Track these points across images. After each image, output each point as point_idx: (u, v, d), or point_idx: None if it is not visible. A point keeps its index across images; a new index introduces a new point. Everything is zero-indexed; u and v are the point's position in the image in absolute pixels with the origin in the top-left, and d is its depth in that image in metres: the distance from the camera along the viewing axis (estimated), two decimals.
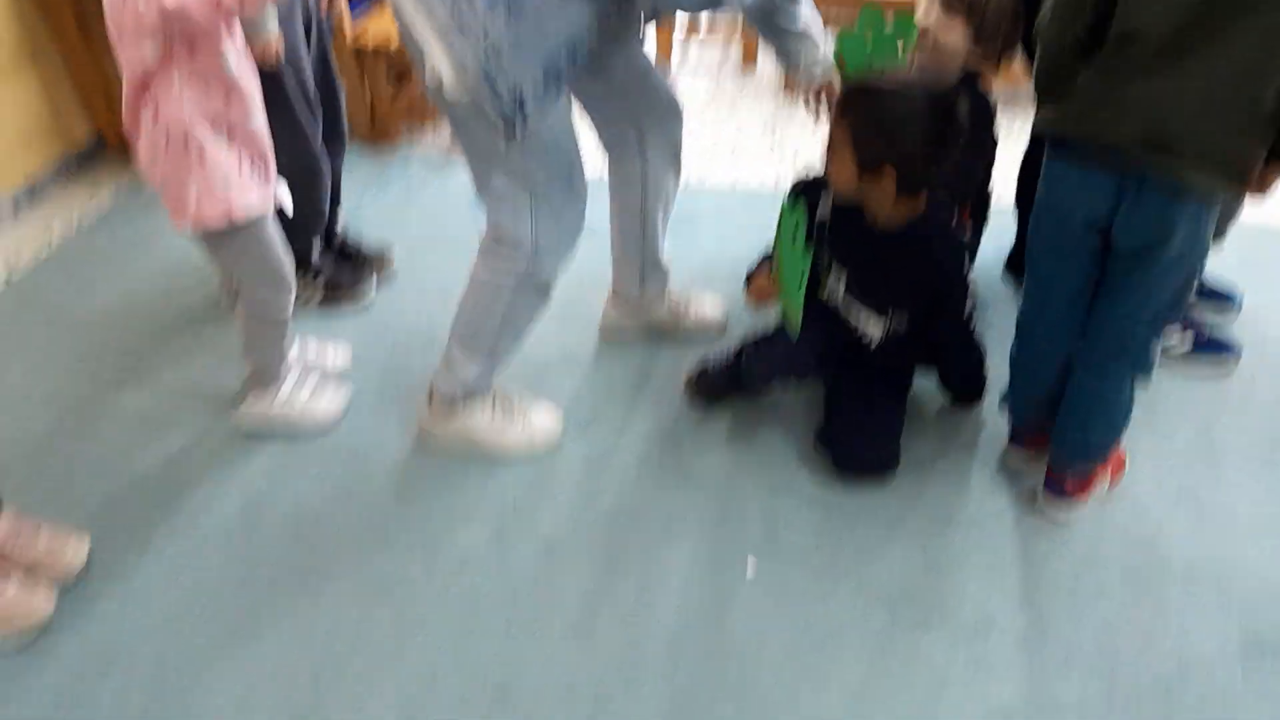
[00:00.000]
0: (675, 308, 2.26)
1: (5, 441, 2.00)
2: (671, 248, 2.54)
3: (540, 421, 1.99)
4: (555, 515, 1.84)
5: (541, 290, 1.83)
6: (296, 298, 2.27)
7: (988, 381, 1.98)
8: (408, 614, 1.67)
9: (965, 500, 1.85)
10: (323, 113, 2.23)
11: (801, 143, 3.15)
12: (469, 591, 1.70)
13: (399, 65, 3.05)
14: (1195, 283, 1.60)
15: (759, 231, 2.62)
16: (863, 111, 1.63)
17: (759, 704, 1.52)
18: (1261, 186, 1.55)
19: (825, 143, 1.71)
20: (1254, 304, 2.30)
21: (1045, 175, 1.59)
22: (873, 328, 1.86)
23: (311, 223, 2.24)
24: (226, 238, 1.75)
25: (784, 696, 1.53)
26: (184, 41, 1.55)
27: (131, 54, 1.55)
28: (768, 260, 1.96)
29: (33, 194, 2.87)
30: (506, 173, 1.65)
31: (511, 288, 1.78)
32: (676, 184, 2.08)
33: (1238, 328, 2.25)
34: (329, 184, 2.24)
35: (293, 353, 2.06)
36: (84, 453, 2.00)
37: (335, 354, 2.18)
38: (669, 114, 1.95)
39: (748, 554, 1.76)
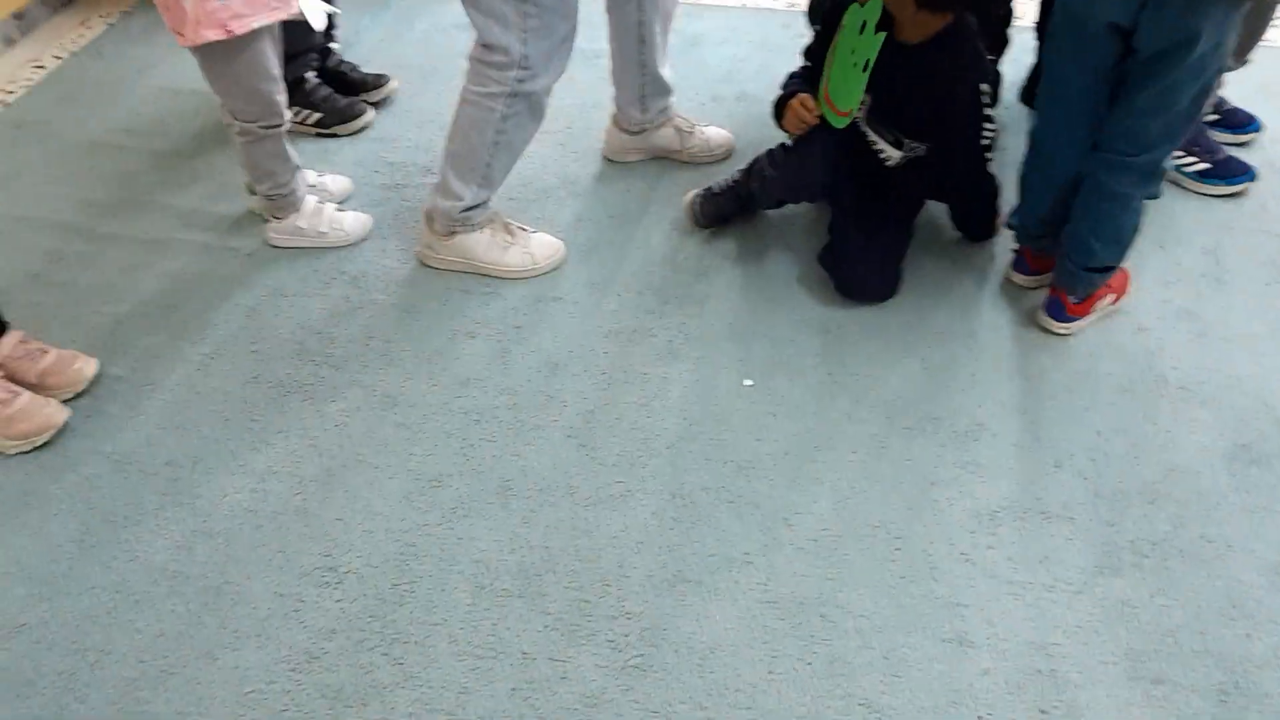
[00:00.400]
0: (680, 130, 2.21)
1: (6, 268, 2.01)
2: (678, 69, 2.47)
3: (542, 243, 1.98)
4: (556, 334, 1.86)
5: (534, 107, 1.79)
6: (294, 119, 2.25)
7: (1000, 217, 1.96)
8: (413, 423, 1.70)
9: (966, 318, 1.85)
10: None
11: None
12: (472, 404, 1.73)
13: None
14: (1212, 93, 1.55)
15: (769, 52, 2.58)
16: None
17: (753, 505, 1.57)
18: None
19: None
20: (1275, 131, 2.24)
21: None
22: (890, 153, 1.83)
23: (305, 41, 2.19)
24: (222, 53, 1.70)
25: (778, 498, 1.58)
26: None
27: None
28: (797, 82, 1.90)
29: (23, 24, 2.80)
30: None
31: (503, 103, 1.75)
32: (671, 2, 2.02)
33: (1256, 153, 2.19)
34: None
35: (302, 179, 2.03)
36: (86, 277, 2.02)
37: (335, 182, 2.16)
38: None
39: (747, 373, 1.78)
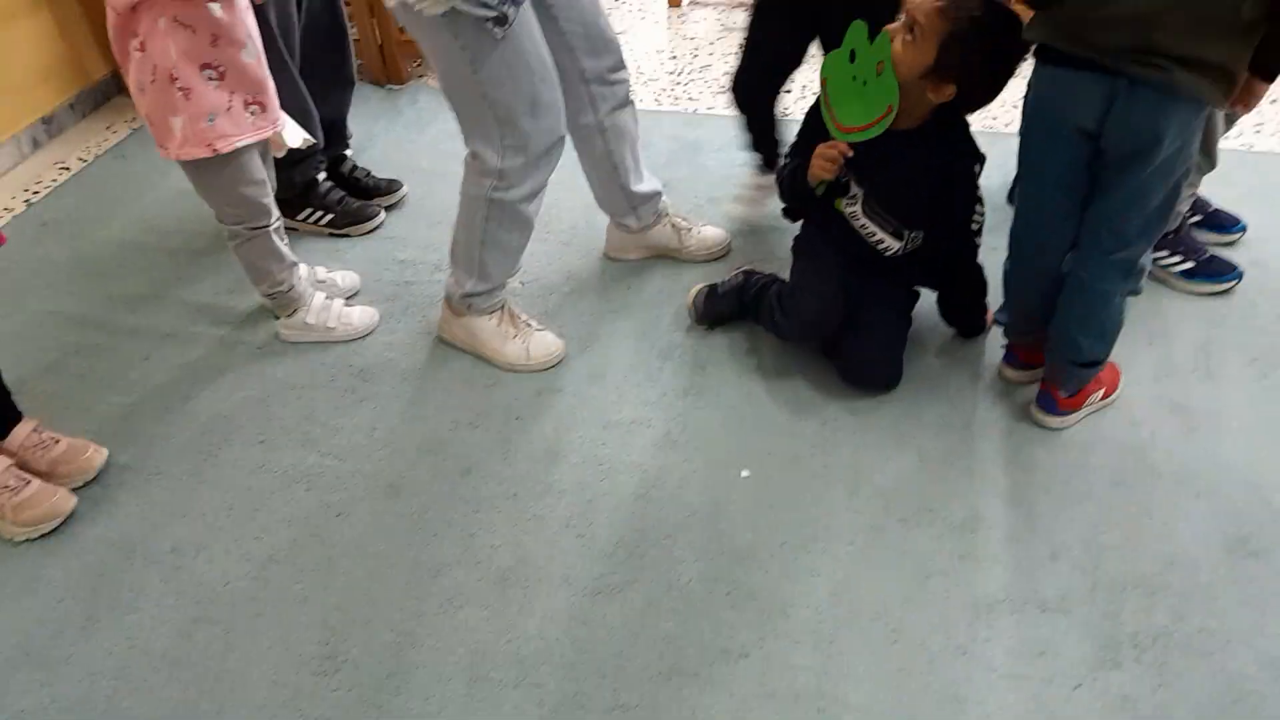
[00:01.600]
0: (677, 228, 2.28)
1: (25, 358, 2.07)
2: (678, 173, 2.58)
3: (542, 341, 2.02)
4: (557, 424, 1.89)
5: (514, 215, 1.87)
6: (307, 219, 2.34)
7: (989, 311, 2.01)
8: (414, 512, 1.73)
9: (961, 411, 1.88)
10: (330, 53, 2.29)
11: (810, 79, 3.15)
12: (473, 494, 1.76)
13: None
14: (1183, 192, 1.61)
15: None
16: (966, 18, 1.59)
17: (750, 596, 1.57)
18: (1245, 100, 1.56)
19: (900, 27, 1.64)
20: (1261, 230, 2.31)
21: (1035, 83, 1.60)
22: (890, 244, 1.86)
23: (311, 148, 2.27)
24: (208, 166, 1.79)
25: (775, 589, 1.58)
26: None
27: None
28: (796, 155, 1.92)
29: (50, 128, 2.93)
30: (473, 97, 1.69)
31: (484, 206, 1.84)
32: (634, 120, 2.11)
33: (1243, 252, 2.25)
34: (317, 115, 2.26)
35: (305, 273, 2.11)
36: (101, 368, 2.07)
37: (344, 278, 2.23)
38: (615, 65, 1.99)
39: (744, 463, 1.80)
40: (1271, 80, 1.54)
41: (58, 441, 1.79)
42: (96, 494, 1.78)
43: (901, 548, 1.64)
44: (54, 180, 2.74)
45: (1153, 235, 1.65)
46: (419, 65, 3.27)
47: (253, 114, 1.78)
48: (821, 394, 1.93)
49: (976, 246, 1.91)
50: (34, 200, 2.65)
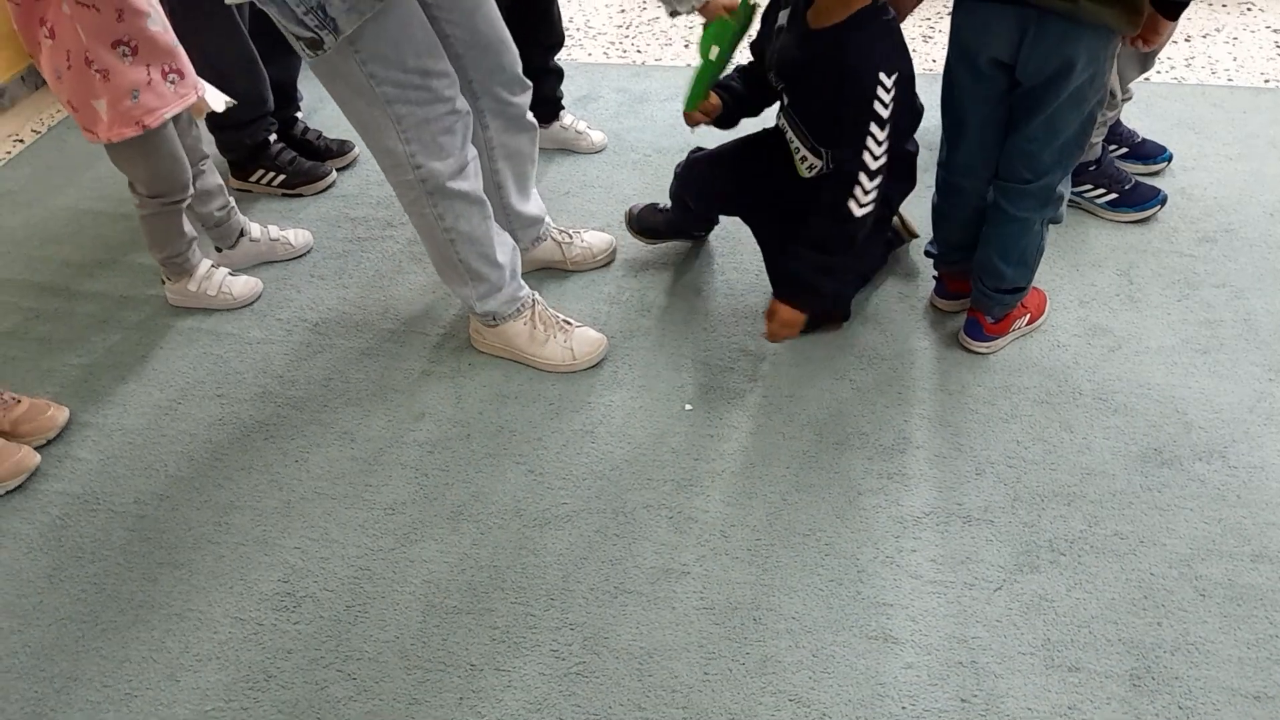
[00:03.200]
0: (559, 242, 2.18)
1: None
2: (626, 124, 2.63)
3: (584, 338, 1.96)
4: (507, 370, 1.96)
5: (459, 196, 1.75)
6: (259, 180, 2.38)
7: (828, 300, 1.92)
8: (369, 456, 1.79)
9: (893, 342, 1.96)
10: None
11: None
12: (427, 437, 1.82)
13: None
14: (1095, 123, 1.67)
15: None
16: None
17: (691, 520, 1.65)
18: (1150, 36, 1.62)
19: None
20: (1185, 160, 2.39)
21: (954, 18, 1.66)
22: (811, 160, 1.83)
23: (257, 109, 2.31)
24: (135, 144, 1.81)
25: (715, 512, 1.66)
26: None
27: None
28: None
29: (2, 101, 2.94)
30: (360, 85, 1.58)
31: (427, 205, 1.75)
32: (532, 144, 2.01)
33: (1167, 181, 2.33)
34: (264, 72, 2.30)
35: (258, 232, 2.17)
36: (60, 332, 2.12)
37: (297, 236, 2.27)
38: (511, 81, 1.88)
39: (687, 398, 1.87)
40: (1173, 18, 1.60)
41: (19, 401, 1.84)
42: (60, 451, 1.84)
43: (834, 470, 1.72)
44: (8, 152, 2.76)
45: (1068, 164, 1.71)
46: None
47: (172, 83, 1.81)
48: (761, 332, 2.00)
49: (847, 189, 1.69)
50: None
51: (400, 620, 1.53)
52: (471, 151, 1.76)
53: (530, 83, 1.93)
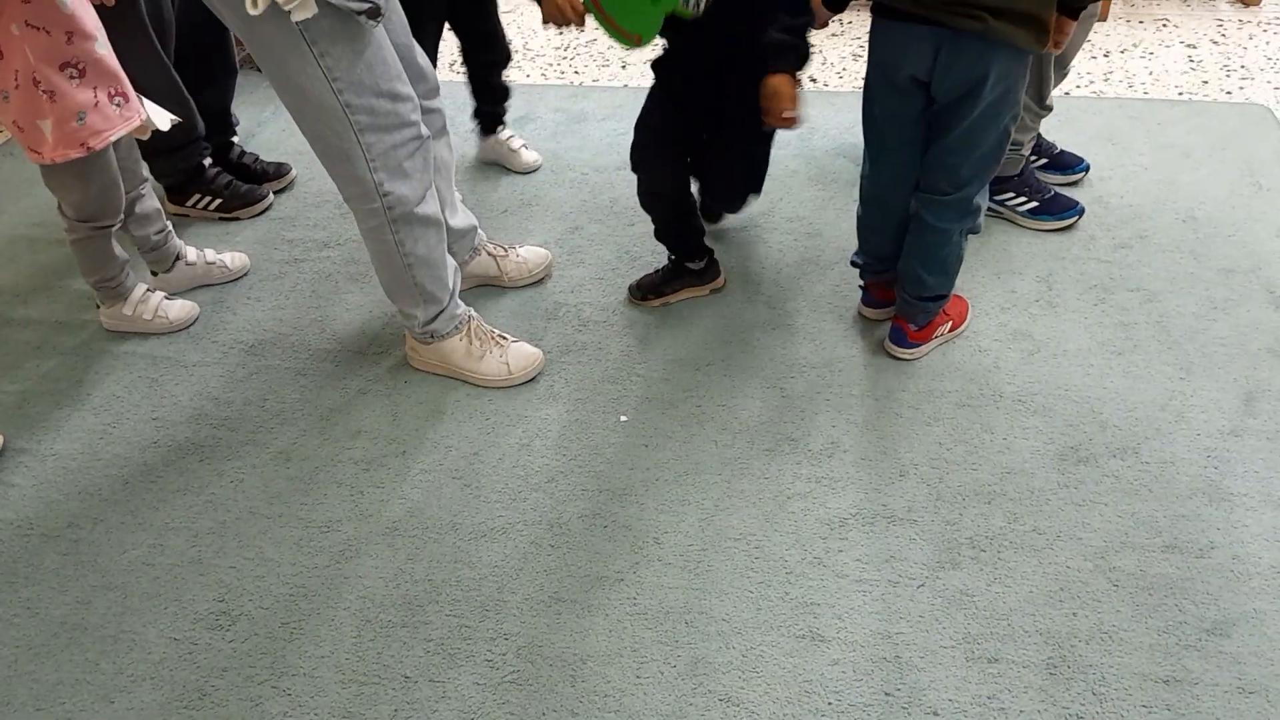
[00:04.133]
0: (494, 256, 2.20)
1: None
2: (564, 143, 2.67)
3: (520, 352, 1.98)
4: (444, 386, 1.98)
5: (421, 220, 1.78)
6: (196, 205, 2.39)
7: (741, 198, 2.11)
8: (305, 475, 1.80)
9: (822, 350, 2.01)
10: (211, 42, 2.34)
11: None
12: (362, 454, 1.84)
13: None
14: (1010, 136, 1.73)
15: None
16: None
17: (625, 528, 1.68)
18: (1056, 38, 1.69)
19: None
20: (1102, 170, 2.48)
21: (872, 37, 1.73)
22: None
23: (189, 134, 2.32)
24: (76, 166, 1.82)
25: (649, 520, 1.69)
26: None
27: None
28: None
29: None
30: (333, 112, 1.59)
31: (389, 231, 1.76)
32: (450, 151, 2.03)
33: (1086, 190, 2.42)
34: (192, 103, 2.30)
35: (194, 255, 2.19)
36: None
37: (234, 259, 2.28)
38: (428, 91, 1.88)
39: (623, 410, 1.91)
40: (1074, 16, 1.65)
41: None
42: None
43: (764, 475, 1.76)
44: None
45: (984, 177, 1.78)
46: None
47: (118, 105, 1.81)
48: (695, 346, 2.05)
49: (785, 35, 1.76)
50: None
51: (335, 636, 1.54)
52: (429, 175, 1.78)
53: (440, 86, 1.94)
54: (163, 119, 1.96)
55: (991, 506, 1.69)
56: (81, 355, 2.10)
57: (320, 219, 2.46)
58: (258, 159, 2.59)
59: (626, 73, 3.13)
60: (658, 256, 2.28)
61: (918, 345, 1.95)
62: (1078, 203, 2.30)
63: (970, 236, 1.89)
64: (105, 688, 1.49)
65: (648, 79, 3.04)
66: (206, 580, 1.63)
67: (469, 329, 1.96)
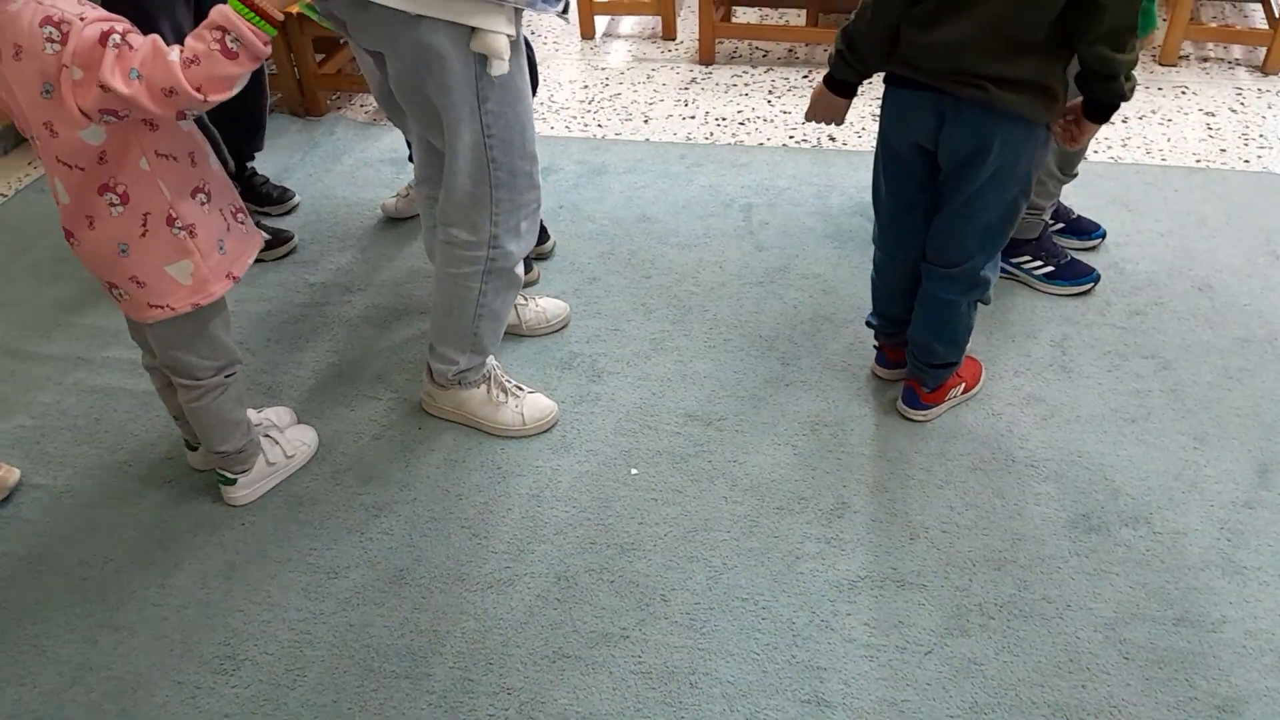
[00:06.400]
0: (515, 308, 2.20)
1: None
2: (584, 195, 2.70)
3: (535, 404, 1.99)
4: (456, 433, 1.99)
5: (510, 278, 1.82)
6: None
7: None
8: (316, 520, 1.81)
9: (835, 409, 2.01)
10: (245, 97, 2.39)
11: (714, 106, 3.31)
12: (373, 501, 1.85)
13: (325, 35, 3.17)
14: (1020, 210, 1.72)
15: (669, 180, 2.82)
16: None
17: (632, 584, 1.68)
18: (1076, 135, 1.65)
19: None
20: (1119, 236, 2.48)
21: (883, 104, 1.75)
22: None
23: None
24: (204, 316, 1.60)
25: (656, 576, 1.69)
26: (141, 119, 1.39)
27: (69, 140, 1.36)
28: None
29: None
30: (473, 147, 1.61)
31: (479, 281, 1.78)
32: None
33: (1102, 256, 2.42)
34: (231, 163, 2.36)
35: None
36: (14, 393, 2.14)
37: (279, 415, 2.00)
38: None
39: (634, 463, 1.91)
40: (1095, 120, 1.62)
41: None
42: (8, 513, 1.85)
43: (774, 534, 1.75)
44: None
45: (991, 250, 1.77)
46: (337, 98, 3.37)
47: (241, 223, 1.62)
48: (708, 399, 2.05)
49: None
50: None
51: (339, 684, 1.54)
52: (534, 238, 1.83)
53: None
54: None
55: (1002, 573, 1.68)
56: (100, 393, 2.13)
57: (344, 264, 2.49)
58: (267, 181, 2.65)
59: (649, 126, 3.17)
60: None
61: (930, 407, 1.95)
62: (1094, 269, 2.30)
63: (981, 305, 1.89)
64: None
65: (669, 133, 3.10)
66: (213, 624, 1.64)
67: (492, 379, 1.98)
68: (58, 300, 2.41)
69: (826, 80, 1.74)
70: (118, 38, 1.29)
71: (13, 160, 3.07)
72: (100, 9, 1.34)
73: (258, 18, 1.32)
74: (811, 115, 1.81)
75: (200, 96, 1.32)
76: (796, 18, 3.90)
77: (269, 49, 1.36)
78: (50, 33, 1.28)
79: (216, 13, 1.32)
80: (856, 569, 1.69)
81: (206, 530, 1.80)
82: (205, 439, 1.77)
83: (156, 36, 1.32)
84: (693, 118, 3.23)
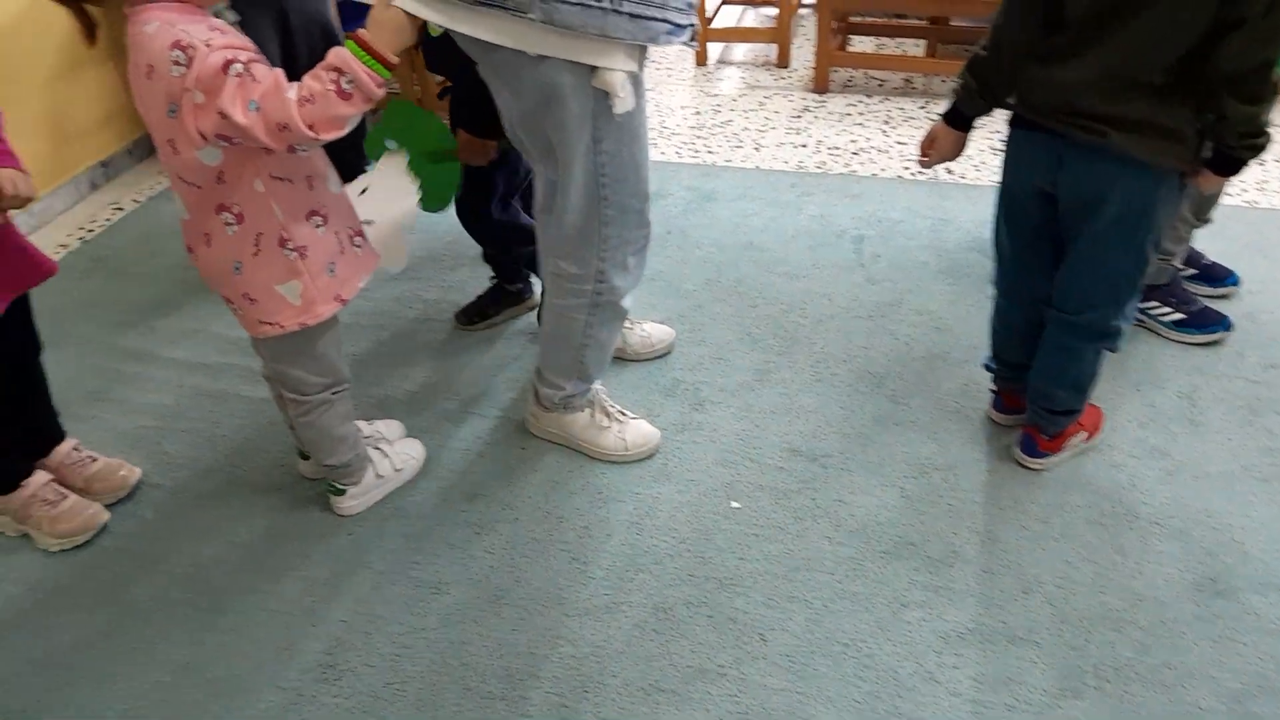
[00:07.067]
0: (621, 332, 2.12)
1: (70, 383, 2.21)
2: (692, 221, 2.70)
3: (638, 430, 1.98)
4: (559, 455, 1.99)
5: (616, 310, 1.83)
6: None
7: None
8: (419, 533, 1.83)
9: (947, 453, 1.95)
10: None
11: (826, 135, 3.27)
12: (476, 518, 1.86)
13: None
14: (1149, 260, 1.64)
15: (778, 208, 2.79)
16: None
17: (730, 620, 1.65)
18: (1205, 182, 1.58)
19: None
20: (1254, 284, 2.36)
21: (1006, 143, 1.71)
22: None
23: None
24: (313, 335, 1.63)
25: (755, 614, 1.66)
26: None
27: (189, 159, 1.41)
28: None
29: (108, 171, 3.14)
30: (586, 182, 1.62)
31: (585, 314, 1.80)
32: None
33: (1235, 304, 2.31)
34: None
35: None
36: (138, 395, 2.22)
37: (389, 428, 2.04)
38: None
39: (735, 496, 1.89)
40: (1219, 173, 1.54)
41: (95, 460, 1.93)
42: (128, 510, 1.91)
43: (879, 579, 1.70)
44: (108, 220, 2.93)
45: (1121, 300, 1.69)
46: None
47: (358, 246, 1.64)
48: (813, 435, 2.01)
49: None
50: (88, 237, 2.84)
51: (436, 702, 1.55)
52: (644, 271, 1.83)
53: None
54: (395, 257, 1.82)
55: (1120, 634, 1.60)
56: (218, 399, 2.20)
57: (456, 281, 2.53)
58: None
59: (760, 154, 3.15)
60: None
61: (1049, 455, 1.88)
62: (1226, 317, 2.19)
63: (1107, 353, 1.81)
64: None
65: (780, 161, 3.08)
66: (317, 631, 1.66)
67: (596, 403, 1.98)
68: (184, 307, 2.51)
69: (947, 115, 1.70)
70: (240, 67, 1.33)
71: (148, 167, 3.22)
72: (230, 34, 1.38)
73: (373, 61, 1.35)
74: (928, 155, 1.77)
75: (312, 135, 1.35)
76: (915, 48, 3.84)
77: (383, 91, 1.39)
78: (177, 56, 1.32)
79: (334, 54, 1.35)
80: (965, 620, 1.63)
81: (314, 538, 1.83)
82: (314, 452, 1.82)
83: (280, 72, 1.36)
84: (804, 146, 3.20)
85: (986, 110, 1.67)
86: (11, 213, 1.60)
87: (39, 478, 1.84)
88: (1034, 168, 1.62)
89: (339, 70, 1.35)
